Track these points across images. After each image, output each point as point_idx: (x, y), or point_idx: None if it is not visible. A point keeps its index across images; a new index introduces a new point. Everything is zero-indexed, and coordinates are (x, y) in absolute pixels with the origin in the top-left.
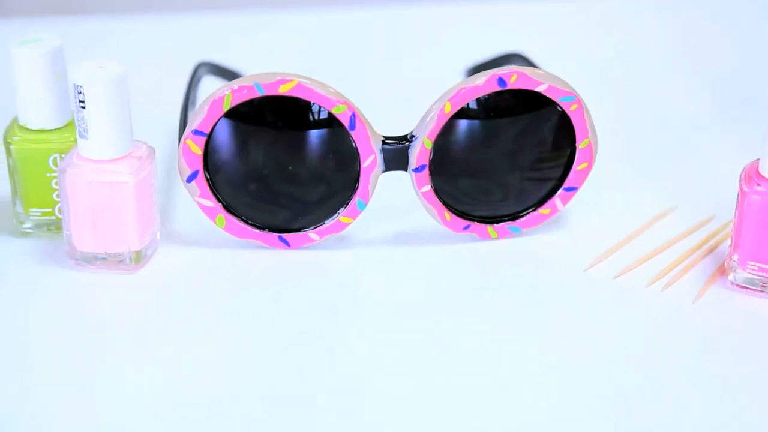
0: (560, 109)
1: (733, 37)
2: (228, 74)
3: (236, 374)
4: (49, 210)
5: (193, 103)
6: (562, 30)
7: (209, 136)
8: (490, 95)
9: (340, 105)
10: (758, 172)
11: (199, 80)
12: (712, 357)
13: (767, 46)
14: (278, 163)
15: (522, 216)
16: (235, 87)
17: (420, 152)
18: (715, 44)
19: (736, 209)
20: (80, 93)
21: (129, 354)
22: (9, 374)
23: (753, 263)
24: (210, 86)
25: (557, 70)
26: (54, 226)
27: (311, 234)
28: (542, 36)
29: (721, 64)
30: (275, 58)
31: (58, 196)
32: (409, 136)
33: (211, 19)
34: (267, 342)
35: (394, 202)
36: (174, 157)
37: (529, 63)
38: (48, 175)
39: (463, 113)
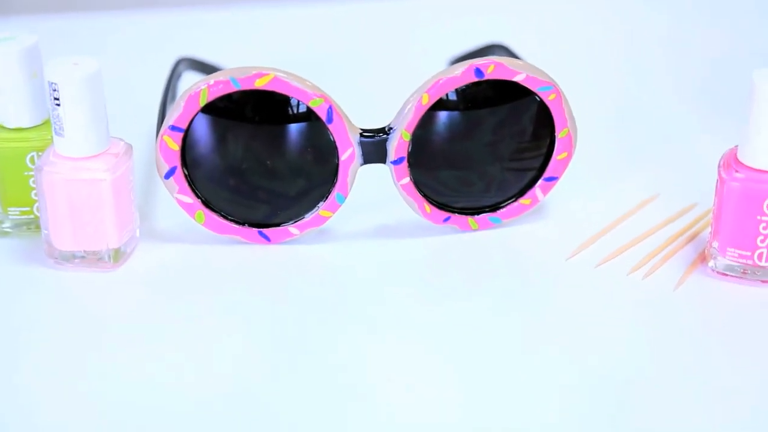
0: (539, 99)
1: (714, 27)
2: (209, 69)
3: (218, 370)
4: (28, 209)
5: (173, 99)
6: (544, 21)
7: (186, 132)
8: (468, 86)
9: (317, 98)
10: (736, 158)
11: (179, 76)
12: (692, 344)
13: (748, 36)
14: (256, 157)
15: (502, 207)
16: (211, 82)
17: (398, 144)
18: (696, 34)
19: (715, 196)
20: (55, 90)
21: (109, 351)
22: None
23: (733, 250)
24: (190, 82)
25: (539, 60)
26: (33, 225)
27: (291, 228)
28: (524, 27)
29: (703, 54)
30: (255, 52)
31: (36, 194)
32: (386, 129)
33: (191, 15)
34: (248, 337)
35: (374, 195)
36: (153, 153)
37: (510, 54)
38: (26, 173)
39: (441, 104)
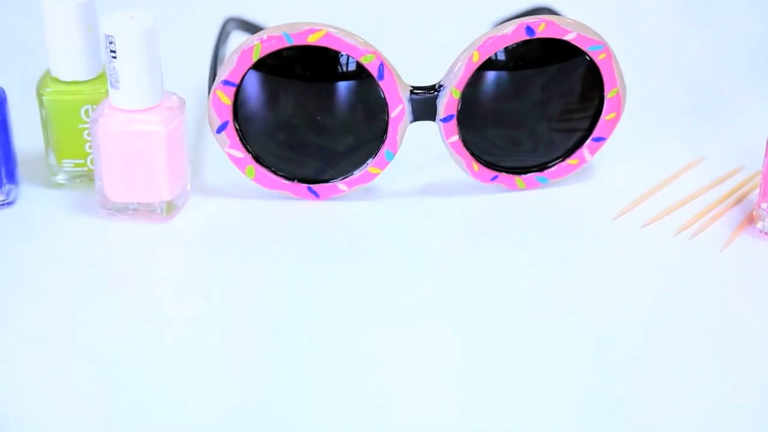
0: (588, 58)
1: None
2: (256, 30)
3: (265, 323)
4: (82, 161)
5: (222, 59)
6: None
7: (239, 87)
8: (518, 44)
9: (369, 54)
10: None
11: (228, 35)
12: (740, 303)
13: None
14: (307, 113)
15: (550, 166)
16: (264, 37)
17: (448, 102)
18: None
19: (765, 157)
20: (111, 43)
21: (160, 302)
22: (42, 320)
23: None
24: (238, 41)
25: (586, 20)
26: (86, 177)
27: (340, 185)
28: None
29: (752, 17)
30: (303, 12)
31: (90, 147)
32: (437, 86)
33: None
34: (295, 292)
35: (423, 153)
36: (203, 111)
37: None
38: (80, 126)
39: (491, 63)
